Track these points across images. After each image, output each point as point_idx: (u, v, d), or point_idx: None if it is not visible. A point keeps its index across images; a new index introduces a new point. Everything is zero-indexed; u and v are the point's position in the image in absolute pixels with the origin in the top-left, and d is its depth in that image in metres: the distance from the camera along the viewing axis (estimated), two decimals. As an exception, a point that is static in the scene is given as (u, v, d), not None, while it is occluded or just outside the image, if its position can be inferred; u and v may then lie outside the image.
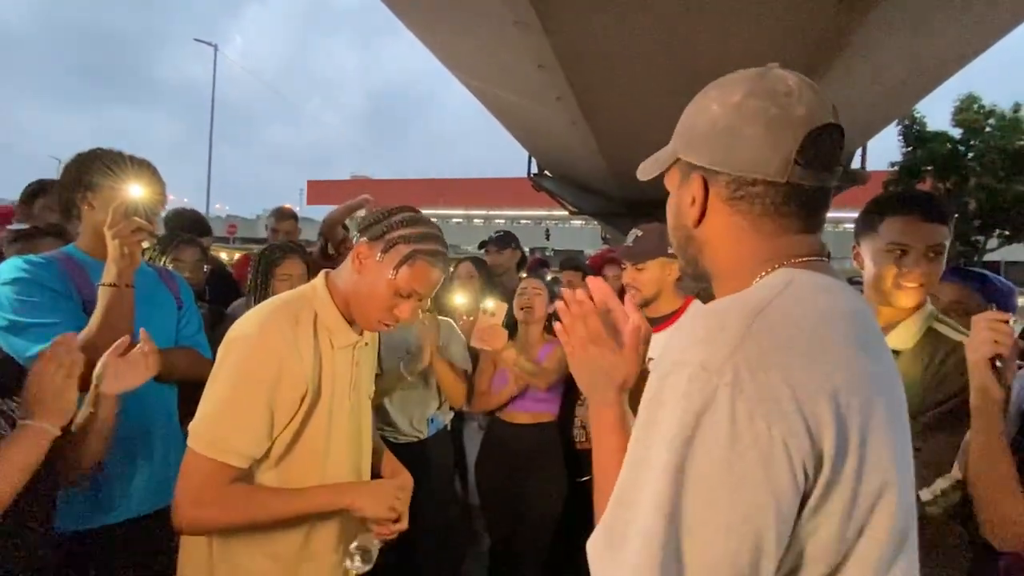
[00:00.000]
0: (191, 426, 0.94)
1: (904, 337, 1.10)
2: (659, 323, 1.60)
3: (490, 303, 1.79)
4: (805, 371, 0.48)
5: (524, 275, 3.18)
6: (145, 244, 1.18)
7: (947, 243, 1.09)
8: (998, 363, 0.89)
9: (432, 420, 1.94)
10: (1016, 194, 12.49)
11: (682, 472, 0.46)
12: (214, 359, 0.99)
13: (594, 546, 0.52)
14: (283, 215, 2.88)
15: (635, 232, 1.65)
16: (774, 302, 0.52)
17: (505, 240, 2.90)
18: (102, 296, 1.17)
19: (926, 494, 0.98)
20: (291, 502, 0.98)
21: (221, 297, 2.09)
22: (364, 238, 1.02)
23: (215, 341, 1.53)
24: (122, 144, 1.30)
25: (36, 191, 1.92)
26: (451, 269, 2.08)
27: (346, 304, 1.05)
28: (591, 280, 0.71)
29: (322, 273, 1.09)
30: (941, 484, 0.99)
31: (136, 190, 1.21)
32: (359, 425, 1.15)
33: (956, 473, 0.97)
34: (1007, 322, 0.91)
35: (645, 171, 0.70)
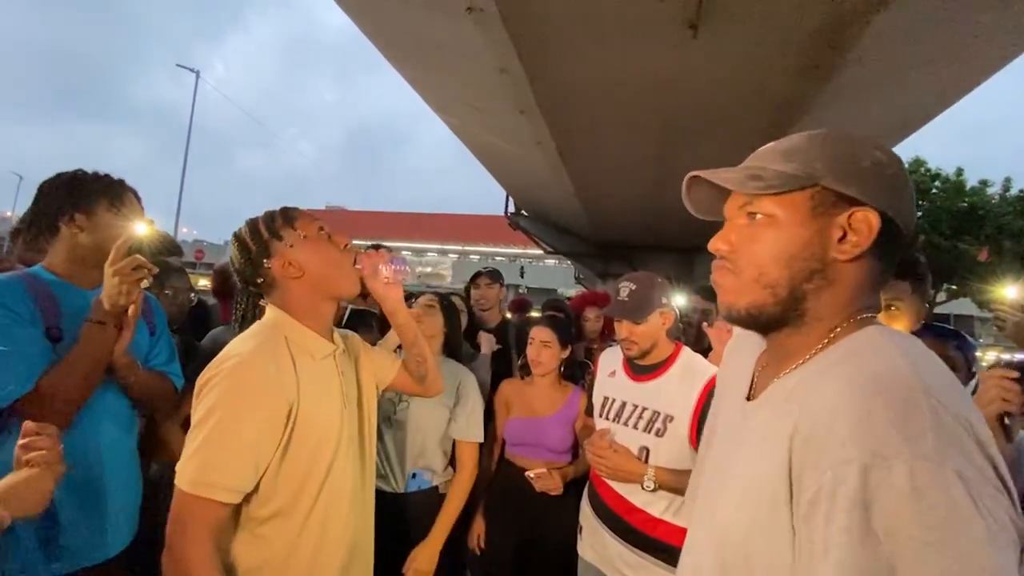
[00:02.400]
0: (178, 466, 0.91)
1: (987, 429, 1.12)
2: (652, 371, 1.61)
3: (530, 473, 1.81)
4: (980, 433, 0.49)
5: (509, 315, 3.17)
6: (144, 283, 1.17)
7: (905, 296, 1.13)
8: (1006, 420, 0.90)
9: (414, 475, 1.74)
10: (961, 252, 13.33)
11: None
12: (185, 389, 0.96)
13: None
14: None
15: (627, 286, 1.61)
16: (927, 366, 0.54)
17: (496, 275, 2.92)
18: (86, 332, 1.13)
19: None
20: None
21: (196, 328, 2.04)
22: (266, 260, 1.06)
23: (187, 371, 1.48)
24: (87, 162, 1.30)
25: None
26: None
27: (310, 316, 1.08)
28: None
29: (268, 307, 1.11)
30: None
31: (140, 227, 1.20)
32: (361, 431, 1.15)
33: None
34: (1016, 380, 0.91)
35: (740, 184, 0.63)
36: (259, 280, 1.07)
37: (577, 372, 2.50)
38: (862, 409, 0.49)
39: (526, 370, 2.02)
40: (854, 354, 0.56)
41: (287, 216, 1.09)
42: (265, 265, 1.06)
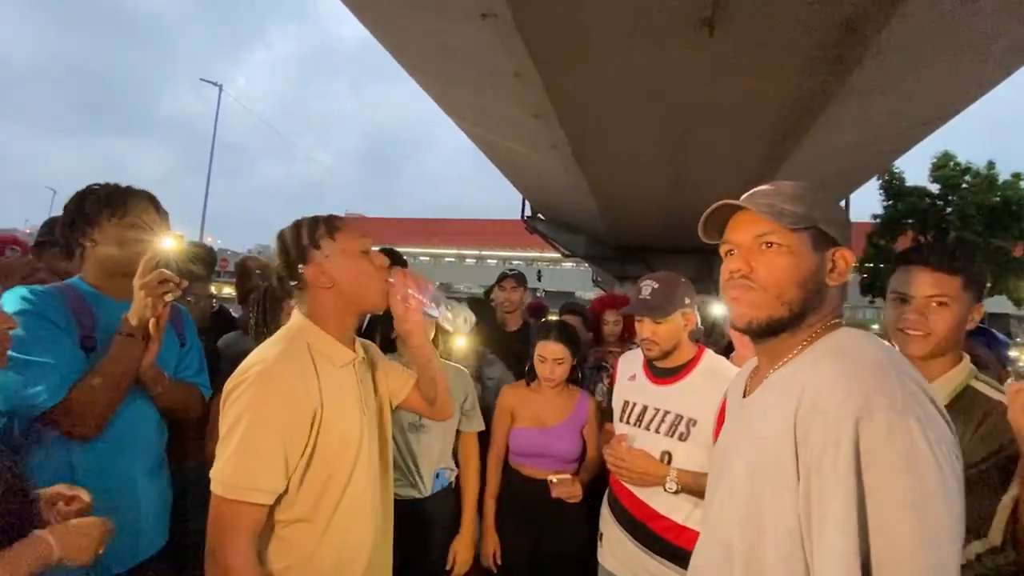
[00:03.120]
0: (212, 472, 0.94)
1: (938, 395, 1.09)
2: (674, 374, 1.59)
3: (553, 478, 1.78)
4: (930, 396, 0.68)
5: (531, 319, 3.14)
6: (169, 297, 1.20)
7: (956, 294, 1.08)
8: None
9: (437, 475, 1.79)
10: (994, 248, 12.88)
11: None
12: (213, 398, 0.98)
13: None
14: None
15: (649, 284, 1.59)
16: (891, 354, 0.73)
17: (522, 279, 2.93)
18: (115, 344, 1.17)
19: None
20: None
21: (218, 334, 2.08)
22: (303, 266, 1.07)
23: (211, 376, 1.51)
24: (117, 176, 1.31)
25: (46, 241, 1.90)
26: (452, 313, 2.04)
27: (333, 324, 1.09)
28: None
29: (293, 312, 1.13)
30: (977, 548, 0.96)
31: (168, 242, 1.23)
32: (380, 439, 1.16)
33: (994, 538, 0.94)
34: None
35: (769, 214, 0.78)
36: (292, 282, 1.09)
37: (590, 375, 2.47)
38: (851, 382, 0.68)
39: (532, 375, 1.96)
40: (839, 348, 0.75)
41: (330, 226, 1.09)
42: (299, 270, 1.07)
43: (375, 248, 1.16)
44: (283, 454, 0.96)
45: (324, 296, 1.08)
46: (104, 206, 1.27)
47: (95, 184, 1.31)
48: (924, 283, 1.10)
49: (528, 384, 1.98)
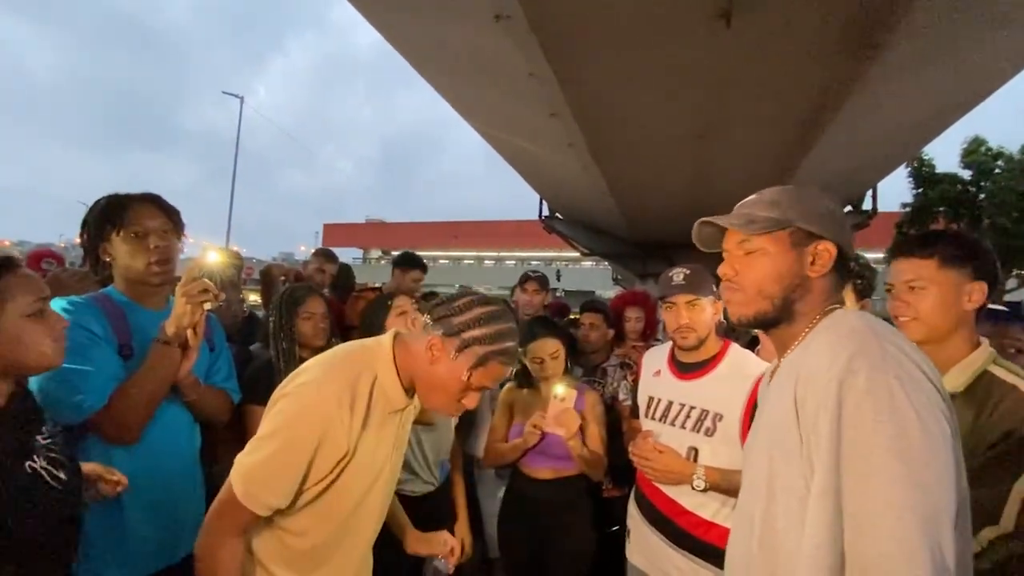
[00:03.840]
0: (237, 459, 0.96)
1: (956, 380, 1.09)
2: (699, 368, 1.58)
3: (560, 388, 1.77)
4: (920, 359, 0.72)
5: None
6: (208, 306, 1.23)
7: (931, 275, 1.13)
8: None
9: (442, 466, 1.87)
10: (1032, 234, 12.37)
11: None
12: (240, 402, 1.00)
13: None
14: (332, 257, 3.08)
15: (682, 271, 1.60)
16: (875, 324, 0.76)
17: (544, 282, 2.92)
18: (153, 351, 1.20)
19: (973, 546, 0.95)
20: None
21: (246, 340, 2.13)
22: (439, 331, 0.99)
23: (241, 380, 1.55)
24: (143, 188, 1.34)
25: None
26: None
27: (408, 374, 1.04)
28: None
29: (391, 333, 1.08)
30: (988, 535, 0.96)
31: (212, 255, 1.27)
32: (392, 481, 1.15)
33: (1006, 524, 0.94)
34: None
35: (741, 225, 0.88)
36: (419, 336, 1.02)
37: (613, 373, 2.45)
38: (836, 350, 0.73)
39: (525, 379, 1.95)
40: (829, 325, 0.82)
41: (481, 341, 0.98)
42: (431, 329, 1.00)
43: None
44: (300, 477, 0.96)
45: (422, 362, 1.01)
46: (106, 221, 1.28)
47: (100, 198, 1.32)
48: (900, 270, 1.18)
49: (520, 388, 1.97)
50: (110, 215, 1.28)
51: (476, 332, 0.98)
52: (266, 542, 1.03)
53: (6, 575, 0.81)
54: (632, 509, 1.68)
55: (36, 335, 0.93)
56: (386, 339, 1.06)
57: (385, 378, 1.02)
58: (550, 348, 1.88)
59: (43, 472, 0.91)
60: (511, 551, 1.94)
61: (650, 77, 4.13)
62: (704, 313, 1.55)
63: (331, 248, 3.37)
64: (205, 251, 1.31)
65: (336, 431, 0.95)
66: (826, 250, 0.85)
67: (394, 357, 1.03)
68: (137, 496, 1.20)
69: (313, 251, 3.25)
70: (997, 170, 13.20)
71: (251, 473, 0.94)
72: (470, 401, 1.03)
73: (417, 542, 1.36)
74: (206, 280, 1.22)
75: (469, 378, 0.98)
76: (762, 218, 0.88)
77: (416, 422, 1.34)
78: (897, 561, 0.61)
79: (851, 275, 1.22)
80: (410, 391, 1.06)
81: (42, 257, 2.88)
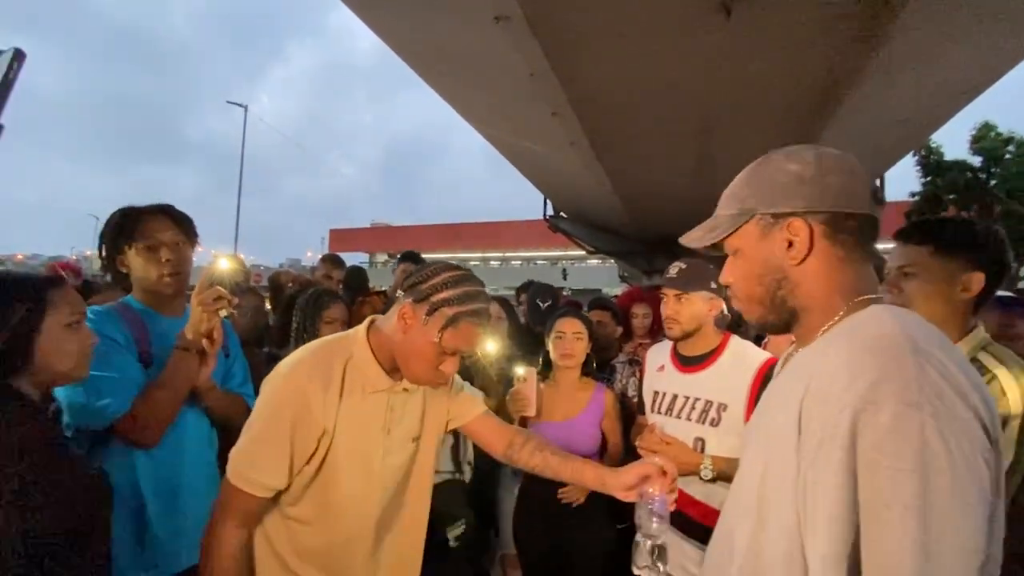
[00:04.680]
0: (230, 453, 1.02)
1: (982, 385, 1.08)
2: (701, 361, 1.59)
3: (520, 370, 1.78)
4: (969, 387, 0.57)
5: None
6: (223, 313, 1.27)
7: (924, 262, 1.11)
8: None
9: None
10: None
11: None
12: None
13: None
14: (339, 262, 3.10)
15: (678, 264, 1.62)
16: (918, 331, 0.61)
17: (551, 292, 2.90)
18: (172, 358, 1.24)
19: None
20: None
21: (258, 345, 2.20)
22: (409, 299, 1.03)
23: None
24: (152, 199, 1.37)
25: None
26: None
27: (386, 353, 1.08)
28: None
29: (367, 320, 1.13)
30: None
31: (223, 263, 1.31)
32: (402, 467, 1.16)
33: None
34: None
35: (702, 239, 0.79)
36: (390, 304, 1.08)
37: (622, 369, 2.46)
38: (857, 367, 0.59)
39: (547, 367, 1.96)
40: (854, 328, 0.66)
41: (449, 302, 1.01)
42: (403, 299, 1.05)
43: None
44: (289, 455, 1.01)
45: (395, 334, 1.05)
46: (119, 235, 1.32)
47: (115, 212, 1.35)
48: (894, 257, 1.17)
49: (543, 378, 1.97)
50: (124, 229, 1.32)
51: (444, 294, 1.01)
52: (279, 532, 1.08)
53: (43, 568, 0.84)
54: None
55: (71, 344, 1.00)
56: (361, 326, 1.12)
57: (359, 356, 1.07)
58: (572, 326, 1.90)
59: (77, 462, 0.97)
60: (526, 547, 1.95)
61: (650, 72, 4.13)
62: (692, 307, 1.57)
63: (338, 253, 3.41)
64: (216, 259, 1.34)
65: (310, 403, 1.00)
66: (799, 227, 0.69)
67: (370, 341, 1.08)
68: (158, 499, 1.24)
69: (320, 257, 3.28)
70: (1008, 155, 13.04)
71: (238, 455, 1.01)
72: (449, 366, 1.06)
73: (617, 481, 1.16)
74: (220, 288, 1.25)
75: (441, 339, 1.01)
76: (724, 217, 0.77)
77: None
78: None
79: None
80: (393, 373, 1.09)
81: (61, 269, 2.97)
